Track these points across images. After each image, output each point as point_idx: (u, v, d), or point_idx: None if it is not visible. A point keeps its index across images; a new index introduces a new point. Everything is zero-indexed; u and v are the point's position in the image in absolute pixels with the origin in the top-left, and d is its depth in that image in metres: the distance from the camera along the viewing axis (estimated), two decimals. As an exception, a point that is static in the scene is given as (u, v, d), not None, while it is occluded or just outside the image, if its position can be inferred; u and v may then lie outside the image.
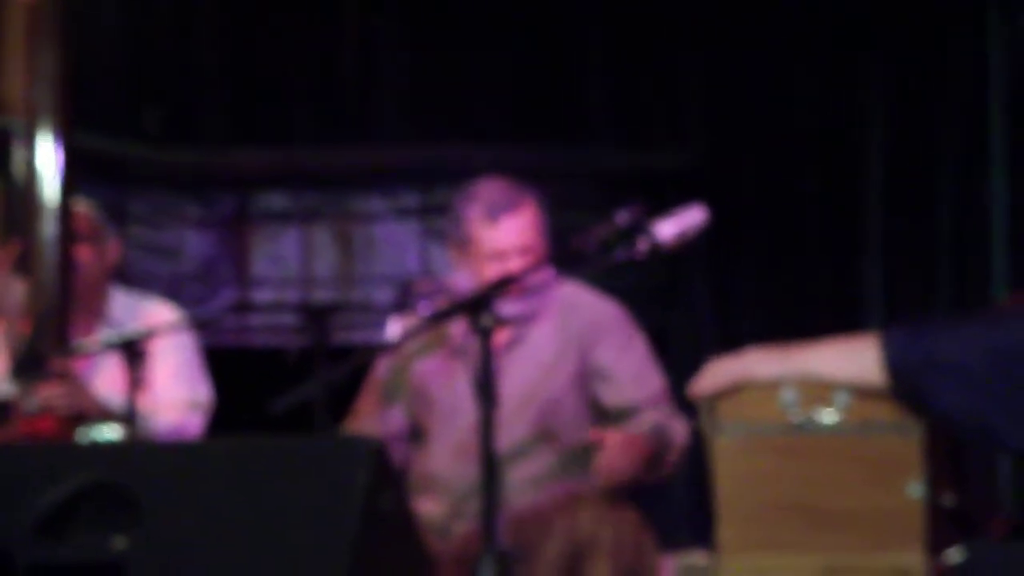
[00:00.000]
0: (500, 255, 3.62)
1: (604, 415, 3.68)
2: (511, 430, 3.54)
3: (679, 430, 3.63)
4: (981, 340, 2.46)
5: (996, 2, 5.64)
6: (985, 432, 2.45)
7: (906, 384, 2.49)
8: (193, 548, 2.61)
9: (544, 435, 3.67)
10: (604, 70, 6.05)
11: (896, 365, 2.49)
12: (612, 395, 3.68)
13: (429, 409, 3.75)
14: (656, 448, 3.56)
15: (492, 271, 3.59)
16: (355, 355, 3.63)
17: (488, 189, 3.69)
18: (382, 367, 3.80)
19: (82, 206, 4.15)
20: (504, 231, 3.63)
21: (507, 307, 3.56)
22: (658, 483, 3.68)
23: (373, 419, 3.77)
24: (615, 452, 3.44)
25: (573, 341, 3.71)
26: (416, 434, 3.78)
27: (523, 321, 3.70)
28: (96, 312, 4.18)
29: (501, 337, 3.59)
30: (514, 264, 3.58)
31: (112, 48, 6.12)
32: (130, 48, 6.18)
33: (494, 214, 3.64)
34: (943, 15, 5.74)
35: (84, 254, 4.10)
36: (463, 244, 3.69)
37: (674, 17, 5.98)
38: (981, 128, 5.66)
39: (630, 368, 3.69)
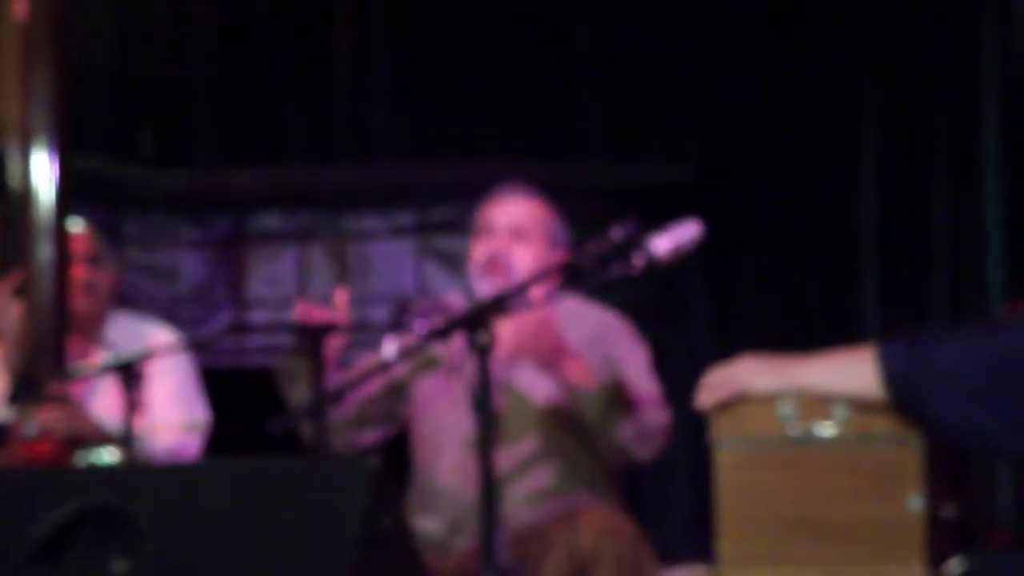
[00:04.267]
0: (489, 230, 3.73)
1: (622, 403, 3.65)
2: (517, 445, 3.54)
3: (662, 413, 3.63)
4: (977, 349, 2.46)
5: (989, 17, 5.66)
6: (984, 440, 2.45)
7: (905, 395, 2.49)
8: (193, 570, 2.60)
9: (547, 449, 3.66)
10: (597, 84, 6.05)
11: (894, 377, 2.49)
12: (629, 379, 3.65)
13: (429, 426, 3.75)
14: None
15: (479, 250, 3.70)
16: (352, 374, 3.63)
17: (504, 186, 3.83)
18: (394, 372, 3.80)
19: (81, 227, 4.14)
20: (496, 209, 3.75)
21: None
22: (657, 496, 3.67)
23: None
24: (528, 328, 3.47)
25: (581, 351, 3.69)
26: (391, 417, 3.80)
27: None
28: (94, 334, 4.17)
29: (503, 351, 3.58)
30: (502, 244, 3.67)
31: (105, 70, 6.12)
32: (123, 70, 6.18)
33: (494, 197, 3.78)
34: (935, 31, 5.75)
35: (82, 275, 4.09)
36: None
37: (667, 32, 5.99)
38: (974, 141, 5.67)
39: (638, 363, 3.70)
